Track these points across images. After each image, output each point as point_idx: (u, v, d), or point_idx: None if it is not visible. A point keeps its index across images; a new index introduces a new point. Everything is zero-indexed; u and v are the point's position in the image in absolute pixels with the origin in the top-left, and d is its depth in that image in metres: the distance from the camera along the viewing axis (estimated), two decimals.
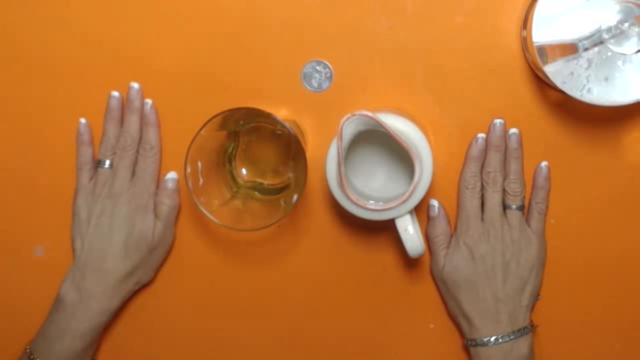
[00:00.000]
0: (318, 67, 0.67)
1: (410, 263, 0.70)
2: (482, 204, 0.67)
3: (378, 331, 0.71)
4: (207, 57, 0.68)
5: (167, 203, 0.68)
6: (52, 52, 0.69)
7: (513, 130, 0.66)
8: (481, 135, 0.66)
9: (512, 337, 0.65)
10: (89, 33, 0.69)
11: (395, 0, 0.66)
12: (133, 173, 0.68)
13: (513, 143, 0.66)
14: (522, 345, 0.65)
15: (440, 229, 0.67)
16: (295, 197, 0.61)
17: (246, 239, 0.71)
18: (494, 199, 0.66)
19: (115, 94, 0.69)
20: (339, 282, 0.71)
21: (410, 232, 0.62)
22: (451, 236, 0.67)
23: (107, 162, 0.68)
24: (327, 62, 0.67)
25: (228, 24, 0.68)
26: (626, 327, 0.70)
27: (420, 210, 0.69)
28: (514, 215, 0.66)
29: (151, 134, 0.68)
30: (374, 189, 0.66)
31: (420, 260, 0.69)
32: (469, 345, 0.67)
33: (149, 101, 0.68)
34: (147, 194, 0.68)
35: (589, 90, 0.60)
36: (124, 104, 0.69)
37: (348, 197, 0.61)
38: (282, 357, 0.72)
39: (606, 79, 0.59)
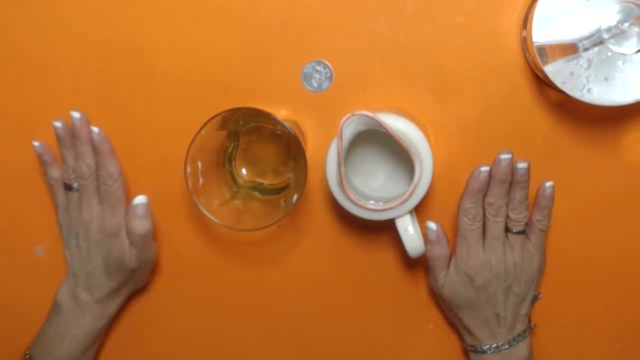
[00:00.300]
0: (318, 67, 0.67)
1: (410, 263, 0.70)
2: (483, 230, 0.65)
3: (378, 331, 0.71)
4: (207, 57, 0.68)
5: (136, 232, 0.65)
6: (52, 52, 0.69)
7: (522, 165, 0.63)
8: (484, 168, 0.64)
9: (511, 343, 0.65)
10: (89, 33, 0.69)
11: (395, 0, 0.66)
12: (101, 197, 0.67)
13: (521, 176, 0.63)
14: (522, 348, 0.65)
15: (440, 252, 0.65)
16: (295, 197, 0.61)
17: (246, 239, 0.71)
18: (497, 229, 0.64)
19: (58, 124, 0.67)
20: (339, 282, 0.71)
21: (410, 232, 0.62)
22: (451, 256, 0.66)
23: (75, 185, 0.67)
24: (327, 62, 0.67)
25: (228, 24, 0.68)
26: (626, 327, 0.70)
27: (421, 210, 0.69)
28: (516, 238, 0.64)
29: (107, 163, 0.66)
30: (374, 189, 0.66)
31: (420, 260, 0.69)
32: (469, 350, 0.67)
33: (95, 129, 0.66)
34: (117, 221, 0.66)
35: (589, 90, 0.60)
36: (73, 134, 0.67)
37: (348, 197, 0.61)
38: (282, 357, 0.72)
39: (606, 79, 0.59)
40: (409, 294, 0.70)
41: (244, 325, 0.72)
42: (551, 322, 0.69)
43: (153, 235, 0.68)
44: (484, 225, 0.65)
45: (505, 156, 0.63)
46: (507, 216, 0.64)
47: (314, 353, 0.72)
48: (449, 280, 0.65)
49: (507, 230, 0.65)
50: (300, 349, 0.72)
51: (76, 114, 0.66)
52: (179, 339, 0.73)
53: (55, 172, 0.68)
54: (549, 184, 0.65)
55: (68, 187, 0.67)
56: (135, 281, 0.69)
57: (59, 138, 0.68)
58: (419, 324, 0.71)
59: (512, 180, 0.64)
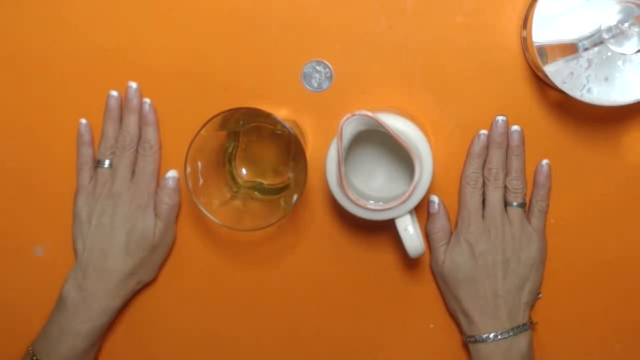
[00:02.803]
0: (318, 67, 0.67)
1: (410, 263, 0.70)
2: (483, 201, 0.67)
3: (378, 331, 0.71)
4: (207, 57, 0.68)
5: (167, 202, 0.68)
6: (52, 52, 0.69)
7: (515, 128, 0.66)
8: (483, 132, 0.66)
9: (511, 333, 0.65)
10: (89, 33, 0.69)
11: (395, 0, 0.66)
12: (133, 172, 0.68)
13: (515, 140, 0.66)
14: (521, 342, 0.65)
15: (440, 225, 0.67)
16: (295, 197, 0.61)
17: (246, 239, 0.71)
18: (495, 196, 0.66)
19: (114, 93, 0.69)
20: (339, 282, 0.71)
21: (410, 232, 0.62)
22: (451, 232, 0.68)
23: (107, 162, 0.68)
24: (327, 62, 0.67)
25: (228, 24, 0.68)
26: (626, 327, 0.70)
27: (421, 210, 0.69)
28: (515, 212, 0.66)
29: (150, 133, 0.68)
30: (374, 189, 0.66)
31: (420, 260, 0.69)
32: (468, 342, 0.67)
33: (147, 100, 0.68)
34: (147, 193, 0.68)
35: (589, 90, 0.60)
36: (123, 104, 0.69)
37: (348, 197, 0.61)
38: (282, 357, 0.72)
39: (606, 79, 0.59)
40: (409, 294, 0.70)
41: (244, 325, 0.72)
42: (551, 322, 0.69)
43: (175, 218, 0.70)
44: (484, 196, 0.66)
45: (501, 117, 0.66)
46: (506, 188, 0.66)
47: (314, 353, 0.72)
48: (449, 253, 0.66)
49: (506, 204, 0.66)
50: (300, 349, 0.72)
51: (133, 84, 0.68)
52: (179, 339, 0.73)
53: (88, 154, 0.69)
54: (545, 162, 0.67)
55: (100, 164, 0.69)
56: (147, 269, 0.69)
57: (109, 107, 0.69)
58: (419, 324, 0.71)
59: (508, 149, 0.66)
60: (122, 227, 0.67)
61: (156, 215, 0.68)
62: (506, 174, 0.66)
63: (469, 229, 0.66)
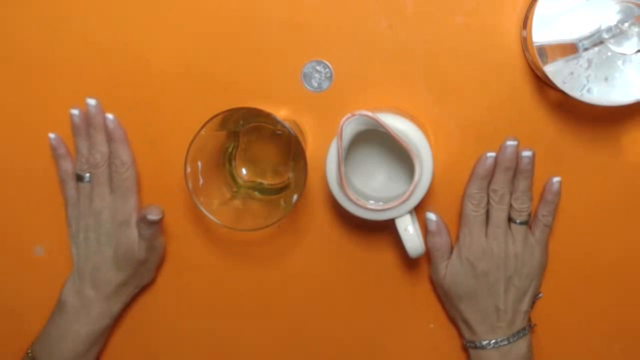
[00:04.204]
0: (318, 67, 0.67)
1: (410, 263, 0.70)
2: (486, 217, 0.65)
3: (378, 331, 0.71)
4: (207, 57, 0.68)
5: (147, 219, 0.65)
6: (52, 52, 0.69)
7: (527, 153, 0.64)
8: (490, 154, 0.64)
9: (511, 339, 0.65)
10: (89, 33, 0.69)
11: (395, 0, 0.66)
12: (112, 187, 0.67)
13: (525, 165, 0.64)
14: (521, 345, 0.65)
15: (440, 242, 0.66)
16: (295, 197, 0.61)
17: (246, 239, 0.71)
18: (499, 217, 0.64)
19: (74, 111, 0.68)
20: (339, 282, 0.71)
21: (410, 232, 0.62)
22: (451, 246, 0.67)
23: (87, 176, 0.68)
24: (327, 62, 0.67)
25: (228, 24, 0.68)
26: (626, 327, 0.70)
27: (421, 210, 0.69)
28: (518, 229, 0.65)
29: (120, 150, 0.67)
30: (374, 189, 0.66)
31: (420, 260, 0.69)
32: (468, 347, 0.67)
33: (110, 116, 0.67)
34: (128, 210, 0.66)
35: (589, 90, 0.60)
36: (87, 122, 0.68)
37: (348, 197, 0.61)
38: (282, 357, 0.72)
39: (606, 79, 0.59)
40: (409, 294, 0.70)
41: (244, 325, 0.72)
42: (551, 322, 0.69)
43: (160, 229, 0.68)
44: (487, 213, 0.65)
45: (510, 143, 0.64)
46: (511, 206, 0.65)
47: (314, 353, 0.72)
48: (450, 269, 0.65)
49: (510, 220, 0.65)
50: (300, 349, 0.72)
51: (92, 101, 0.67)
52: (179, 339, 0.73)
53: (67, 165, 0.69)
54: (556, 179, 0.66)
55: (80, 178, 0.68)
56: (142, 275, 0.69)
57: (74, 126, 0.68)
58: (419, 324, 0.71)
59: (517, 169, 0.64)
60: (108, 243, 0.67)
61: (138, 232, 0.66)
62: (512, 193, 0.65)
63: (470, 248, 0.65)
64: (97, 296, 0.67)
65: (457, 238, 0.66)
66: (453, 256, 0.66)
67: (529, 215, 0.65)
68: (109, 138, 0.67)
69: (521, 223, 0.65)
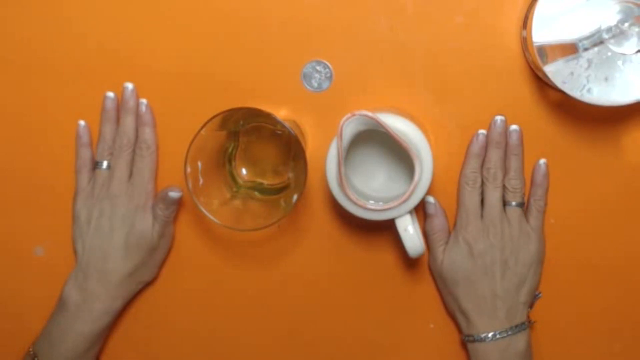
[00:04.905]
0: (318, 67, 0.67)
1: (410, 263, 0.70)
2: (482, 201, 0.67)
3: (378, 331, 0.71)
4: (207, 57, 0.68)
5: (163, 210, 0.67)
6: (52, 52, 0.69)
7: (514, 127, 0.66)
8: (482, 131, 0.66)
9: (509, 332, 0.65)
10: (88, 33, 0.69)
11: (395, 0, 0.66)
12: (131, 173, 0.68)
13: (514, 140, 0.66)
14: (520, 340, 0.65)
15: (439, 225, 0.67)
16: (295, 197, 0.61)
17: (246, 239, 0.71)
18: (494, 196, 0.66)
19: (110, 94, 0.69)
20: (339, 282, 0.71)
21: (410, 232, 0.62)
22: (449, 232, 0.68)
23: (105, 163, 0.68)
24: (327, 62, 0.67)
25: (228, 24, 0.68)
26: (626, 327, 0.70)
27: (421, 210, 0.69)
28: (513, 212, 0.66)
29: (147, 134, 0.68)
30: (374, 189, 0.66)
31: (420, 260, 0.69)
32: (467, 341, 0.67)
33: (144, 101, 0.68)
34: (145, 194, 0.68)
35: (589, 90, 0.60)
36: (120, 105, 0.69)
37: (348, 197, 0.61)
38: (282, 357, 0.72)
39: (606, 79, 0.59)
40: (409, 294, 0.70)
41: (244, 325, 0.72)
42: (551, 322, 0.69)
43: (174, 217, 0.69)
44: (482, 195, 0.66)
45: (499, 117, 0.66)
46: (505, 187, 0.66)
47: (314, 353, 0.72)
48: (448, 252, 0.66)
49: (505, 204, 0.66)
50: (300, 349, 0.72)
51: (129, 85, 0.68)
52: (179, 339, 0.73)
53: (87, 153, 0.69)
54: (542, 161, 0.67)
55: (98, 165, 0.68)
56: (148, 268, 0.69)
57: (105, 109, 0.69)
58: (419, 324, 0.71)
59: (507, 149, 0.66)
60: (121, 228, 0.67)
61: (154, 217, 0.68)
62: (505, 174, 0.66)
63: (467, 228, 0.66)
64: (100, 291, 0.67)
65: (455, 223, 0.67)
66: (450, 239, 0.67)
67: (523, 196, 0.66)
68: (138, 122, 0.68)
69: (516, 205, 0.66)
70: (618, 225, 0.68)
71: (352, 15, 0.67)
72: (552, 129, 0.67)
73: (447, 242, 0.67)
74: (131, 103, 0.68)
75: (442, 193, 0.68)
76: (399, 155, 0.66)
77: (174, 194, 0.67)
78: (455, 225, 0.67)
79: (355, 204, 0.61)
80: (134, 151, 0.68)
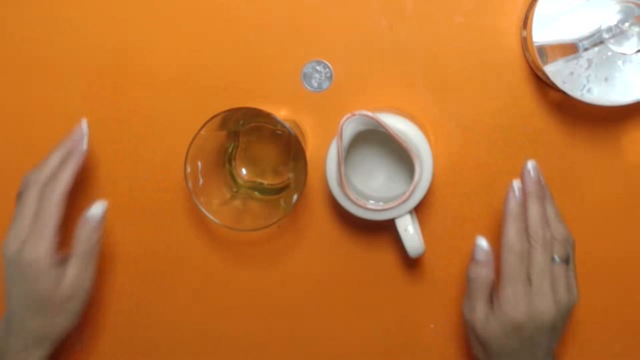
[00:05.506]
0: (318, 67, 0.67)
1: (410, 263, 0.70)
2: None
3: (378, 331, 0.71)
4: (207, 57, 0.68)
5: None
6: (52, 52, 0.69)
7: (532, 165, 0.59)
8: (517, 185, 0.60)
9: None
10: (88, 33, 0.69)
11: (395, 0, 0.66)
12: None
13: (539, 182, 0.60)
14: None
15: (485, 276, 0.59)
16: (295, 197, 0.61)
17: (246, 239, 0.71)
18: (542, 261, 0.58)
19: (84, 125, 0.64)
20: (339, 282, 0.71)
21: (410, 232, 0.62)
22: (493, 283, 0.60)
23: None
24: (327, 62, 0.67)
25: (228, 24, 0.68)
26: (626, 327, 0.70)
27: (420, 211, 0.69)
28: (560, 269, 0.59)
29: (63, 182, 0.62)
30: (374, 189, 0.66)
31: (420, 260, 0.69)
32: None
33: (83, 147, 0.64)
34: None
35: (589, 90, 0.60)
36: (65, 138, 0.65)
37: (348, 197, 0.61)
38: (282, 357, 0.72)
39: (606, 79, 0.59)
40: (409, 294, 0.70)
41: (243, 325, 0.72)
42: None
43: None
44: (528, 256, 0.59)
45: (530, 164, 0.60)
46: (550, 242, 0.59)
47: (313, 353, 0.72)
48: (493, 324, 0.59)
49: (552, 261, 0.59)
50: (300, 349, 0.72)
51: (84, 125, 0.64)
52: (178, 339, 0.73)
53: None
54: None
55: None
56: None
57: (72, 139, 0.65)
58: (419, 324, 0.71)
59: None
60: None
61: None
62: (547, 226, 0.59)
63: (516, 308, 0.58)
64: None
65: (499, 292, 0.59)
66: (495, 312, 0.59)
67: (570, 247, 0.60)
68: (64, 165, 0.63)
69: (562, 261, 0.59)
70: (618, 225, 0.68)
71: (352, 15, 0.67)
72: (552, 129, 0.67)
73: (488, 299, 0.60)
74: (73, 146, 0.63)
75: (442, 193, 0.68)
76: (399, 155, 0.66)
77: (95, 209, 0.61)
78: (500, 295, 0.59)
79: (355, 204, 0.61)
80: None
